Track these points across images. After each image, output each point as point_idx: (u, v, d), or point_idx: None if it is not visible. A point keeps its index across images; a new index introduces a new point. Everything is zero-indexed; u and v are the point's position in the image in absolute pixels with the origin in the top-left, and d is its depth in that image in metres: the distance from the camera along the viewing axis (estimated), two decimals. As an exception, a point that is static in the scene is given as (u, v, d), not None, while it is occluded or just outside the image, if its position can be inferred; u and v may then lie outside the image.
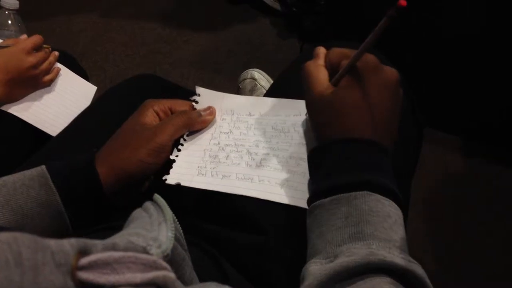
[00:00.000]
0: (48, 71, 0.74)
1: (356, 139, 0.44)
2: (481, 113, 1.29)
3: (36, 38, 0.70)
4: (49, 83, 0.75)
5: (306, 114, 0.57)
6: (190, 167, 0.54)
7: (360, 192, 0.41)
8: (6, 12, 0.81)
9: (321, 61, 0.50)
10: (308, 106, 0.50)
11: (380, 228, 0.39)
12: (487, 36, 1.15)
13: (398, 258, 0.37)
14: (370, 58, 0.45)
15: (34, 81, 0.72)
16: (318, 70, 0.49)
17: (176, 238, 0.34)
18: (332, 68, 0.49)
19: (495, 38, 1.15)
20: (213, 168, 0.54)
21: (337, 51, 0.49)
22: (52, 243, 0.25)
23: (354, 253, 0.37)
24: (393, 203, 0.41)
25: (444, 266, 1.11)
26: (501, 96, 1.23)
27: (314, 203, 0.44)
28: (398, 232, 0.40)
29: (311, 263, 0.40)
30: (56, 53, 0.76)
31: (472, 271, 1.10)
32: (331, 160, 0.44)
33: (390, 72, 0.46)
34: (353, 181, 0.42)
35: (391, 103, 0.46)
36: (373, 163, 0.43)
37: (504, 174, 1.27)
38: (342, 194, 0.41)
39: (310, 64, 0.50)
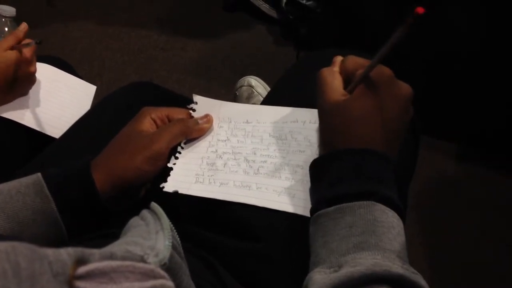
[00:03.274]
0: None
1: (365, 150, 0.44)
2: (477, 120, 1.30)
3: (33, 45, 0.70)
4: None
5: (303, 122, 0.57)
6: (187, 175, 0.54)
7: (365, 202, 0.41)
8: (3, 19, 0.81)
9: (336, 68, 0.50)
10: (320, 111, 0.50)
11: (384, 239, 0.39)
12: (484, 42, 1.16)
13: (402, 269, 0.37)
14: (385, 70, 0.45)
15: (27, 86, 0.73)
16: (333, 77, 0.49)
17: (173, 246, 0.34)
18: (347, 76, 0.49)
19: (491, 44, 1.16)
20: (211, 175, 0.54)
21: (352, 59, 0.49)
22: (50, 252, 0.25)
23: (359, 263, 0.37)
24: (396, 215, 0.42)
25: (442, 270, 1.11)
26: (497, 103, 1.24)
27: (318, 212, 0.43)
28: (401, 243, 0.40)
29: (315, 272, 0.39)
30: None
31: (470, 274, 1.10)
32: (338, 169, 0.44)
33: (404, 88, 0.46)
34: (358, 191, 0.42)
35: (401, 118, 0.46)
36: (378, 175, 0.43)
37: (500, 179, 1.27)
38: (346, 204, 0.41)
39: (326, 71, 0.49)
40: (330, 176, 0.45)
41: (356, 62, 0.48)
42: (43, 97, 0.75)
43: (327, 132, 0.49)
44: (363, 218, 0.40)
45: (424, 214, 1.20)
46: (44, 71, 0.77)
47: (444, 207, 1.23)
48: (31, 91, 0.74)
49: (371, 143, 0.44)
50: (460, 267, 1.12)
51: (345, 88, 0.49)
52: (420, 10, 0.37)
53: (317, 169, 0.47)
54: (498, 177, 1.28)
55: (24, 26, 0.70)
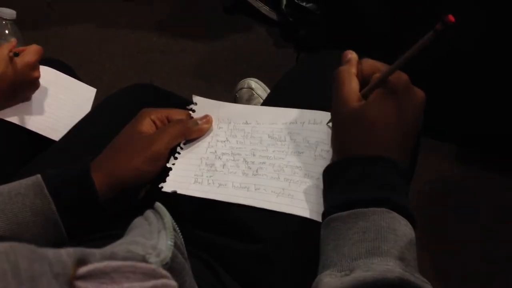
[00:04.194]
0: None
1: (380, 157, 0.44)
2: (476, 121, 1.30)
3: (39, 50, 0.69)
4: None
5: (302, 123, 0.57)
6: (186, 175, 0.54)
7: (379, 209, 0.41)
8: (3, 22, 0.81)
9: (354, 69, 0.49)
10: (336, 114, 0.50)
11: (396, 246, 0.39)
12: (482, 45, 1.16)
13: (413, 277, 0.37)
14: (403, 76, 0.45)
15: (31, 91, 0.73)
16: (351, 79, 0.48)
17: (177, 246, 0.34)
18: (362, 78, 0.49)
19: (489, 47, 1.16)
20: (210, 176, 0.54)
21: (370, 62, 0.49)
22: (50, 253, 0.25)
23: (372, 268, 0.37)
24: (409, 224, 0.42)
25: (443, 271, 1.10)
26: (496, 104, 1.24)
27: (331, 216, 0.43)
28: (412, 252, 0.40)
29: (325, 275, 0.39)
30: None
31: (470, 275, 1.10)
32: (352, 175, 0.44)
33: (420, 94, 0.46)
34: (372, 197, 0.42)
35: (415, 125, 0.46)
36: (393, 182, 0.43)
37: (500, 180, 1.27)
38: (360, 209, 0.41)
39: (344, 71, 0.49)
40: (345, 182, 0.45)
41: (373, 65, 0.48)
42: (43, 99, 0.75)
43: (342, 137, 0.49)
44: (376, 224, 0.40)
45: (424, 215, 1.19)
46: (44, 74, 0.77)
47: (444, 208, 1.23)
48: (36, 94, 0.74)
49: (387, 150, 0.44)
50: (461, 268, 1.11)
51: (361, 91, 0.48)
52: (451, 18, 0.37)
53: (331, 174, 0.47)
54: (498, 178, 1.28)
55: None
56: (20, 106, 0.72)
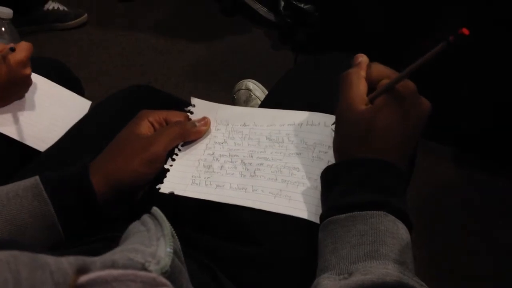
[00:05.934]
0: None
1: (380, 160, 0.44)
2: (473, 123, 1.30)
3: (29, 47, 0.69)
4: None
5: (300, 124, 0.58)
6: (184, 177, 0.54)
7: (377, 212, 0.41)
8: (0, 21, 0.80)
9: (363, 72, 0.49)
10: (341, 116, 0.50)
11: (394, 250, 0.39)
12: (478, 47, 1.17)
13: (412, 280, 0.37)
14: (410, 85, 0.45)
15: (23, 88, 0.72)
16: (360, 82, 0.48)
17: (174, 252, 0.34)
18: (370, 83, 0.49)
19: (486, 48, 1.17)
20: (207, 178, 0.54)
21: (379, 68, 0.49)
22: (51, 261, 0.25)
23: (370, 271, 0.37)
24: (405, 227, 0.42)
25: (439, 275, 1.11)
26: (492, 107, 1.24)
27: (329, 218, 0.44)
28: (409, 255, 0.40)
29: (324, 278, 0.40)
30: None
31: (468, 277, 1.10)
32: (352, 177, 0.44)
33: (426, 104, 0.46)
34: (370, 200, 0.42)
35: (418, 133, 0.46)
36: (392, 186, 0.43)
37: (497, 182, 1.28)
38: (358, 212, 0.42)
39: (353, 73, 0.49)
40: (344, 184, 0.45)
41: (381, 71, 0.48)
42: (34, 110, 0.74)
43: (345, 138, 0.49)
44: (374, 227, 0.40)
45: (422, 216, 1.20)
46: (40, 85, 0.76)
47: (442, 209, 1.24)
48: (26, 104, 0.73)
49: (387, 155, 0.45)
50: (459, 269, 1.12)
51: (368, 95, 0.48)
52: (465, 31, 0.37)
53: (330, 176, 0.47)
54: (495, 179, 1.28)
55: None
56: (13, 117, 0.70)
